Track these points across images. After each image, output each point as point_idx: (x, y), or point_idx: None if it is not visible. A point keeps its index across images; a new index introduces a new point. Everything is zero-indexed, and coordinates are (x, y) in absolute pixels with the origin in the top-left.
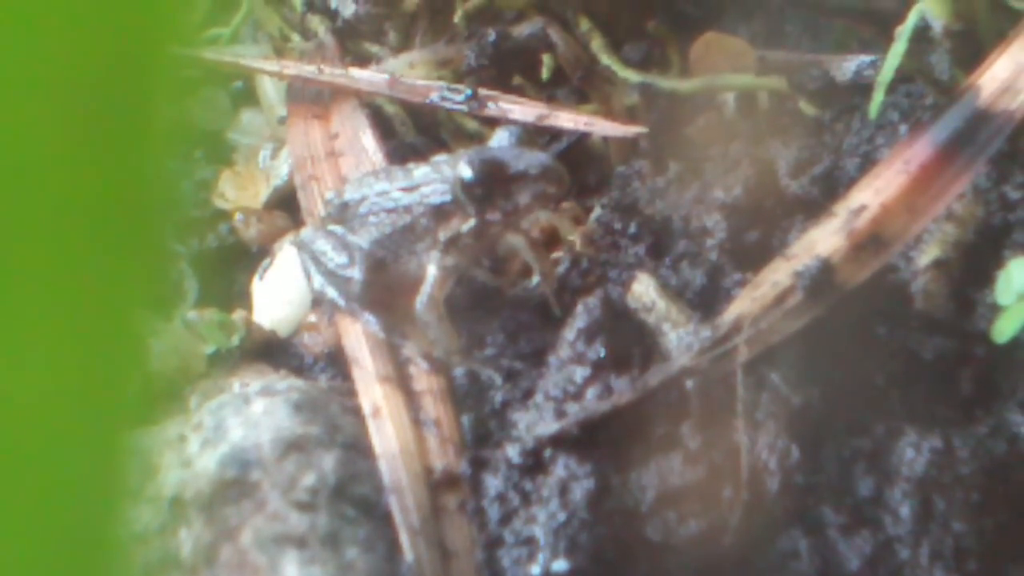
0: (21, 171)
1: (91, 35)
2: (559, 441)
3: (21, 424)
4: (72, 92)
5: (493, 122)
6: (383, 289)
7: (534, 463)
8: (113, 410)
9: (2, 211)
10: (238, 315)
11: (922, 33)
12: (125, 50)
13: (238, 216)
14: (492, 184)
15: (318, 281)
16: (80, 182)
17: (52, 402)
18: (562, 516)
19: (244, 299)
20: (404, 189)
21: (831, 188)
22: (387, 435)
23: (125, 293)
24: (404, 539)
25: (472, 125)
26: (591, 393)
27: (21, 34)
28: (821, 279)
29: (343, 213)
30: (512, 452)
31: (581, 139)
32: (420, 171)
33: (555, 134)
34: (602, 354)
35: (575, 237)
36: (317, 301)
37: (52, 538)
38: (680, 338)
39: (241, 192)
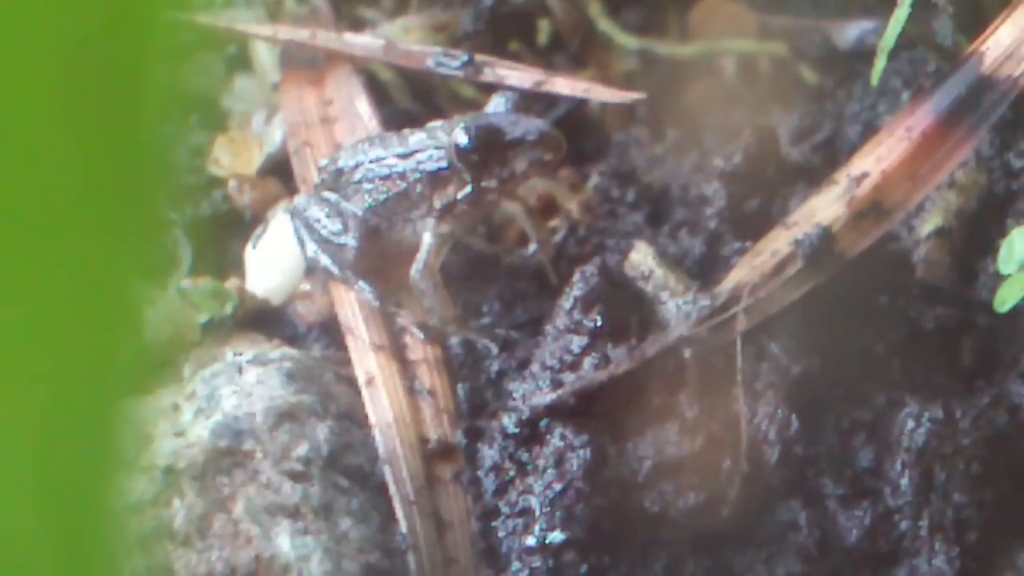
0: (11, 139)
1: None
2: (555, 411)
3: (14, 394)
4: (65, 57)
5: (490, 88)
6: (377, 257)
7: (530, 433)
8: (108, 379)
9: None
10: (231, 284)
11: None
12: (119, 14)
13: (232, 183)
14: (488, 150)
15: (311, 249)
16: (73, 149)
17: (46, 372)
18: (558, 487)
19: (237, 267)
20: (399, 156)
21: (832, 156)
22: (381, 405)
23: (120, 261)
24: (398, 510)
25: (468, 91)
26: (588, 362)
27: None
28: (821, 248)
29: (337, 180)
30: (508, 422)
31: (579, 106)
32: (415, 137)
33: (552, 100)
34: (599, 323)
35: (572, 205)
36: (311, 269)
37: (46, 509)
38: (678, 307)
39: (235, 159)
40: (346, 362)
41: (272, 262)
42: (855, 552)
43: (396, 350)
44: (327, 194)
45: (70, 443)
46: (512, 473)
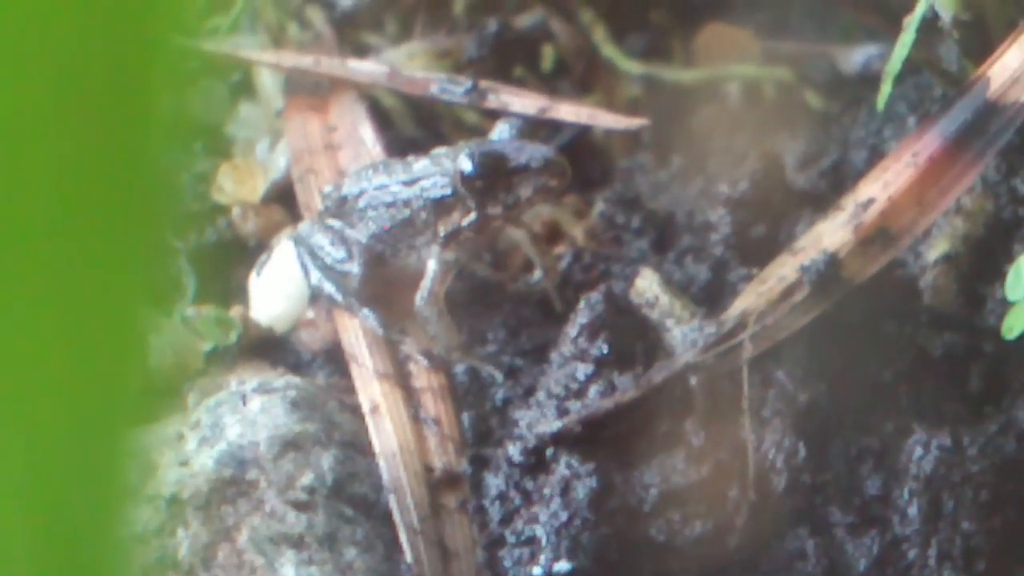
0: (16, 164)
1: (89, 25)
2: (561, 439)
3: (17, 423)
4: (70, 83)
5: (494, 114)
6: (382, 284)
7: (536, 462)
8: (112, 408)
9: None
10: (235, 311)
11: (931, 23)
12: (124, 41)
13: (236, 210)
14: (493, 177)
15: (316, 276)
16: (77, 176)
17: (50, 400)
18: (564, 516)
19: (242, 295)
20: (403, 183)
21: (838, 181)
22: (386, 433)
23: (124, 289)
24: (403, 539)
25: (472, 118)
26: (594, 390)
27: (17, 23)
28: (828, 274)
29: (341, 207)
30: (513, 450)
31: (583, 132)
32: (419, 164)
33: (557, 127)
34: (605, 351)
35: (577, 231)
36: (315, 297)
37: (49, 540)
38: (684, 334)
39: (239, 186)
40: (350, 390)
41: (276, 290)
42: None
43: (401, 378)
44: (331, 221)
45: (74, 473)
46: (518, 502)
